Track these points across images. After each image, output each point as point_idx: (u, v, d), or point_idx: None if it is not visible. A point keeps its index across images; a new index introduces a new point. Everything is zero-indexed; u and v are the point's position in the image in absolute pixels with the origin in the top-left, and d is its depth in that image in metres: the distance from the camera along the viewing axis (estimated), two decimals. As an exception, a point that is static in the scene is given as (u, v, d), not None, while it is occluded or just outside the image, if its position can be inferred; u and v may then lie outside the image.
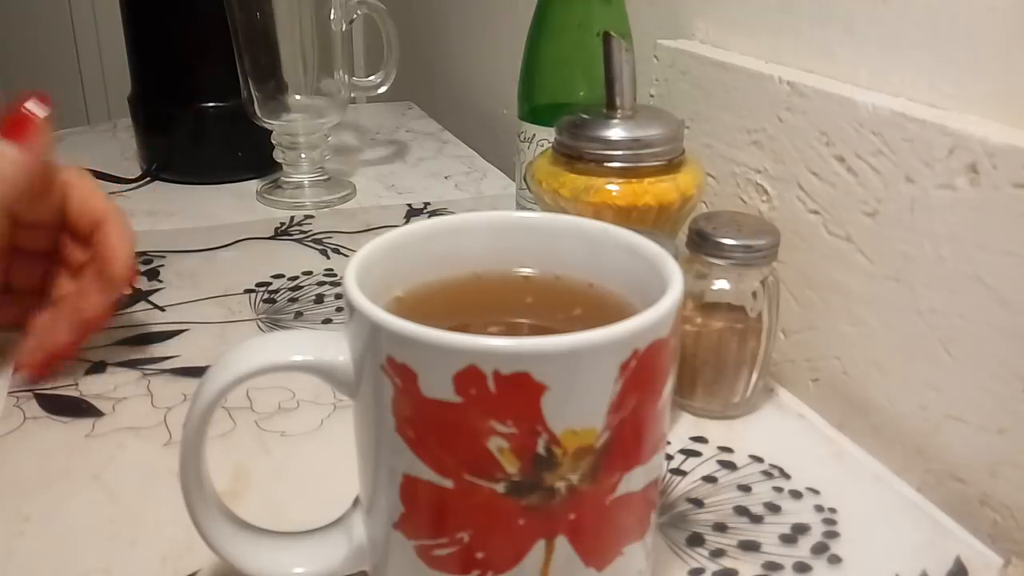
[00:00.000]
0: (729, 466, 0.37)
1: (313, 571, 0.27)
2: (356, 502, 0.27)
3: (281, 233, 0.61)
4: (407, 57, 0.81)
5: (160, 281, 0.53)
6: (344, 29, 0.65)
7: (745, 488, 0.35)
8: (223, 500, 0.27)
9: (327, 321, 0.49)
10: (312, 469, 0.36)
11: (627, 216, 0.41)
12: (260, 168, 0.72)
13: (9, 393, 0.41)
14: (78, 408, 0.40)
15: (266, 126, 0.66)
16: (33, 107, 0.39)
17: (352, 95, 0.68)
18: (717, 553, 0.32)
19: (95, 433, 0.38)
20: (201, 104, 0.70)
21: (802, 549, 0.32)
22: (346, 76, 0.66)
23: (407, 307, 0.26)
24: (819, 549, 0.32)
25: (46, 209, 0.42)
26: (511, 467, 0.21)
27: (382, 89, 0.70)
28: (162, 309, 0.50)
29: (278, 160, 0.67)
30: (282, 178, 0.68)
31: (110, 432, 0.38)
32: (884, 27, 0.38)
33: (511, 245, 0.28)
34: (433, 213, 0.66)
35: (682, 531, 0.33)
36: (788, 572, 0.31)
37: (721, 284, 0.38)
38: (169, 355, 0.45)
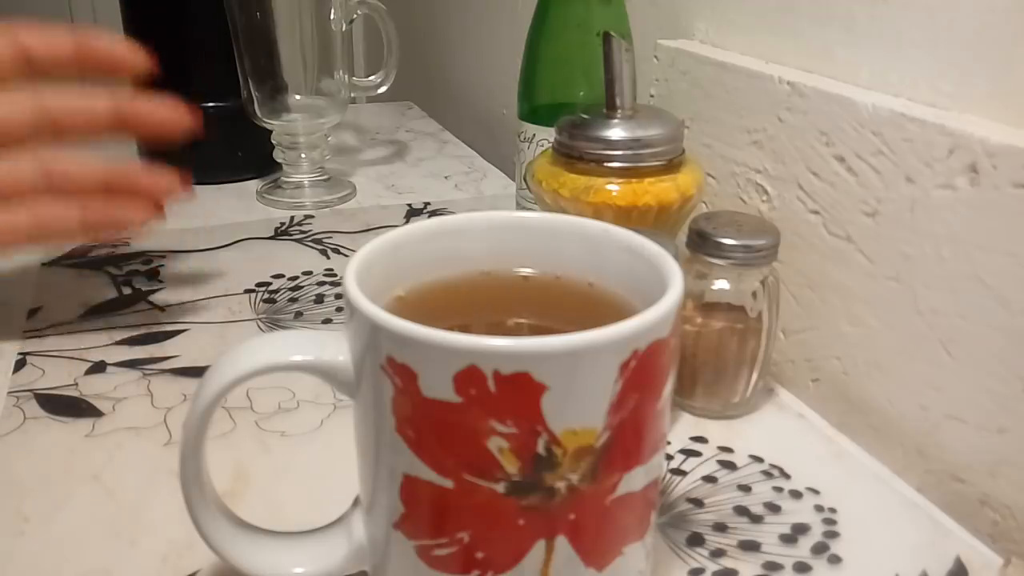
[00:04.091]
0: (729, 466, 0.37)
1: (313, 571, 0.27)
2: (356, 502, 0.27)
3: (281, 233, 0.61)
4: (407, 57, 0.82)
5: (160, 281, 0.53)
6: (344, 29, 0.65)
7: (745, 488, 0.35)
8: (223, 500, 0.27)
9: (327, 321, 0.49)
10: (312, 469, 0.36)
11: (627, 216, 0.41)
12: (260, 168, 0.72)
13: (9, 393, 0.41)
14: (78, 408, 0.40)
15: (266, 126, 0.66)
16: None
17: (352, 95, 0.68)
18: (717, 553, 0.32)
19: (95, 433, 0.38)
20: (201, 104, 0.69)
21: (802, 549, 0.32)
22: (346, 76, 0.66)
23: (408, 307, 0.26)
24: (819, 549, 0.32)
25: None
26: (511, 467, 0.21)
27: (382, 89, 0.70)
28: (162, 309, 0.50)
29: (278, 160, 0.67)
30: (282, 178, 0.68)
31: (110, 432, 0.38)
32: (884, 27, 0.38)
33: (511, 245, 0.28)
34: (433, 213, 0.66)
35: (682, 531, 0.33)
36: (788, 572, 0.31)
37: (721, 284, 0.38)
38: (169, 355, 0.45)
